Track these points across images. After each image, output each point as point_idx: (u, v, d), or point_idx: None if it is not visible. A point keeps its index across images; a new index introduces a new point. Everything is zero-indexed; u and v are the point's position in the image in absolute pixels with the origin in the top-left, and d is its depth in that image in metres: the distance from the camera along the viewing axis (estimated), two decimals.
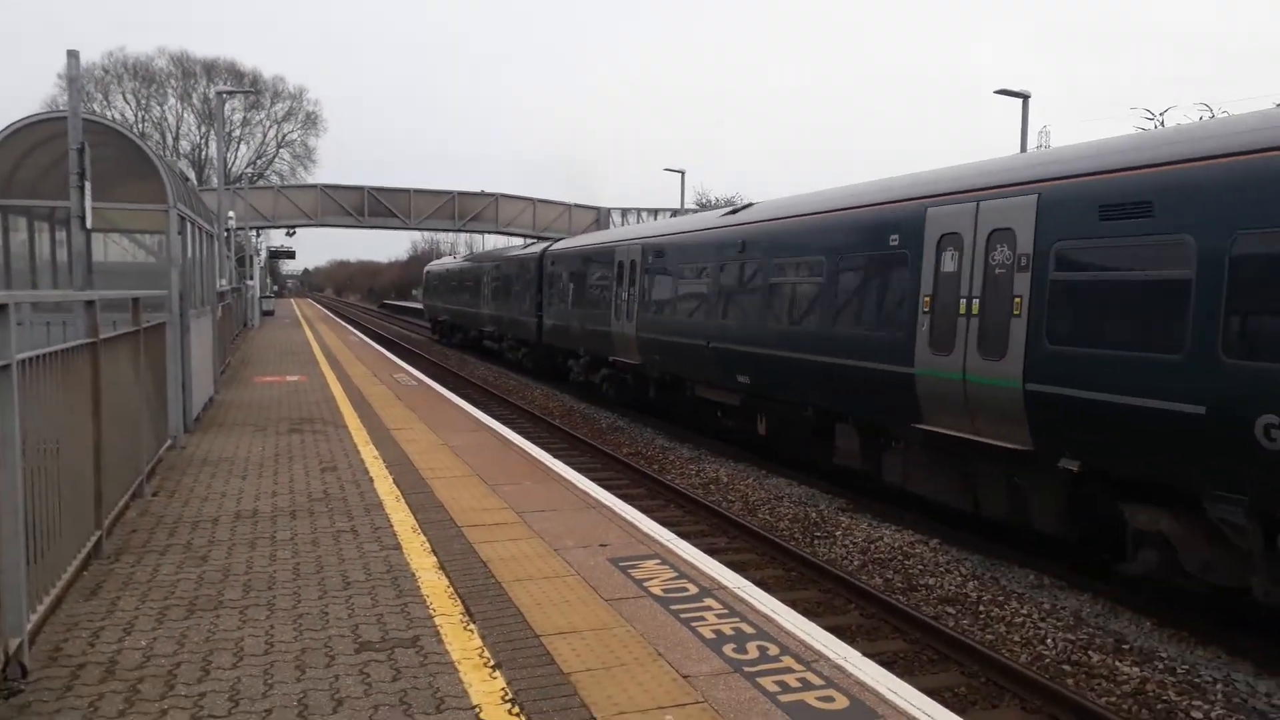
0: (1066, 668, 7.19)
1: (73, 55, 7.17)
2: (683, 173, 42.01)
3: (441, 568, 6.00)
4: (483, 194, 62.92)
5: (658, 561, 6.22)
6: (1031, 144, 28.32)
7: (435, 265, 50.63)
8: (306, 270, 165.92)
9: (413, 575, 5.83)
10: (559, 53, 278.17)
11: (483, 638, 4.81)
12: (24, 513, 4.26)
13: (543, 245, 28.19)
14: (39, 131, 9.72)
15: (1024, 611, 8.27)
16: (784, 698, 4.14)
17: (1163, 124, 20.48)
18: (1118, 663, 7.21)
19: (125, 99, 70.42)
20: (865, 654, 5.93)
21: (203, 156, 70.85)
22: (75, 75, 7.28)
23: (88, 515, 5.84)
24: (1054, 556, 9.70)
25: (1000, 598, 8.65)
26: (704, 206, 58.88)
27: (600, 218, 64.54)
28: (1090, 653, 7.40)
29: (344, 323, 49.68)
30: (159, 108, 71.92)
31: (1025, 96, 23.48)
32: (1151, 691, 6.75)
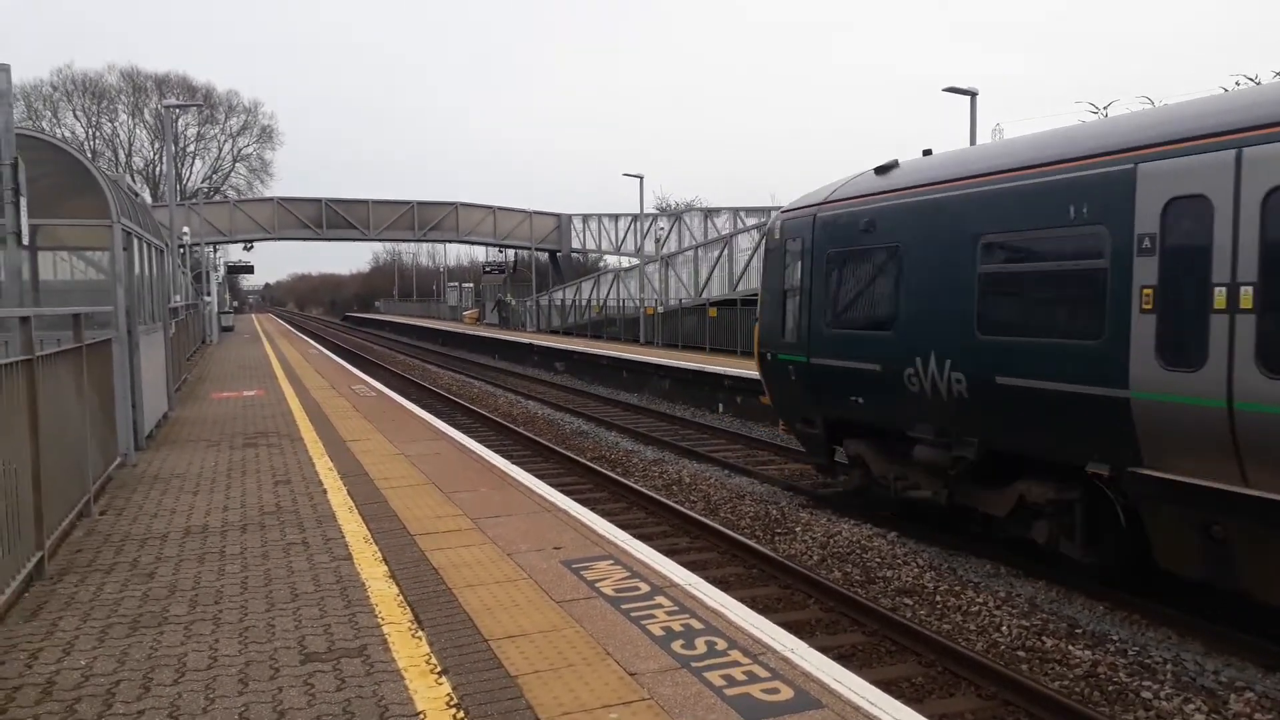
0: (1021, 653, 7.28)
1: (2, 69, 7.08)
2: (641, 177, 42.06)
3: (392, 576, 5.95)
4: (443, 203, 62.75)
5: (610, 562, 6.22)
6: (983, 141, 28.64)
7: (903, 175, 10.20)
8: (267, 285, 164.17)
9: (363, 585, 5.78)
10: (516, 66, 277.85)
11: (430, 644, 4.77)
12: None
13: None
14: None
15: (980, 600, 8.36)
16: (729, 691, 4.15)
17: (1106, 116, 20.76)
18: (1070, 647, 7.31)
19: (75, 116, 69.40)
20: (823, 647, 5.99)
21: (157, 173, 69.90)
22: (4, 89, 7.18)
23: (27, 536, 5.73)
24: (1011, 546, 9.81)
25: (957, 587, 8.74)
26: (664, 211, 58.96)
27: (561, 224, 64.56)
28: (1044, 638, 7.50)
29: (305, 336, 49.14)
30: (110, 124, 70.98)
31: (973, 94, 23.83)
32: (1103, 674, 6.86)
